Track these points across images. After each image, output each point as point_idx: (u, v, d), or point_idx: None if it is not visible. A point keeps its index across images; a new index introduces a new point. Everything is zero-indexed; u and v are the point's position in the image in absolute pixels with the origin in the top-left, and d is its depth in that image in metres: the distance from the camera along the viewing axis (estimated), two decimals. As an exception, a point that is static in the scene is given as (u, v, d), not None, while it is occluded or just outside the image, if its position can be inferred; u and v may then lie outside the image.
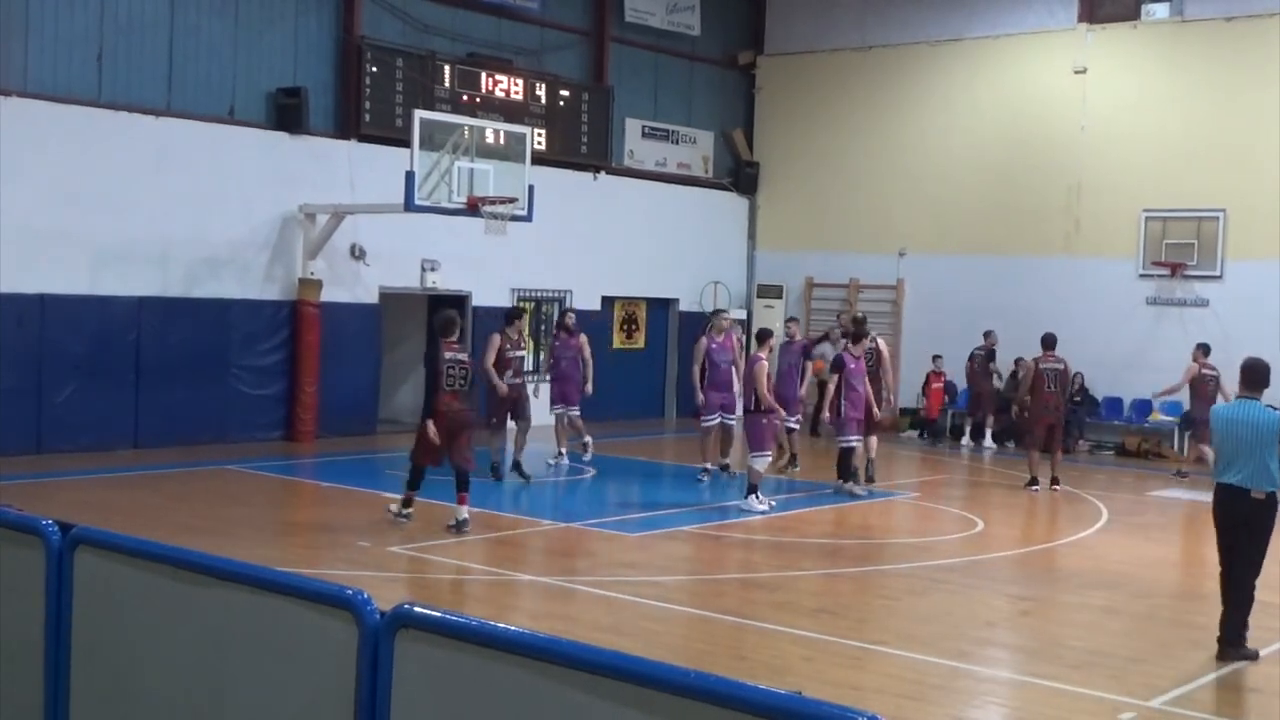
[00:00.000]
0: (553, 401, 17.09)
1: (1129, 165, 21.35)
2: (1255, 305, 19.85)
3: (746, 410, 14.50)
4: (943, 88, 23.29)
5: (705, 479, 16.10)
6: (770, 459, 14.30)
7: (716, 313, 17.86)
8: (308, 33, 18.79)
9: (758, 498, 14.06)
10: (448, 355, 12.35)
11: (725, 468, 16.51)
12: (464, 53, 20.65)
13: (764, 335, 14.93)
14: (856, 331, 15.91)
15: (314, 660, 3.78)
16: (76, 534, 4.47)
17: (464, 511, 12.25)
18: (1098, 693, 8.05)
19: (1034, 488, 16.54)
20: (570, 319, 17.47)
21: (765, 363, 14.29)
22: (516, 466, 15.65)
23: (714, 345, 16.25)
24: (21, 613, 4.57)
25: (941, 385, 22.03)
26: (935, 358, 21.98)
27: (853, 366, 15.43)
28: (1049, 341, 17.03)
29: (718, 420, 16.24)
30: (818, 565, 11.74)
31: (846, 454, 15.57)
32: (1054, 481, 16.72)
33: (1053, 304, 21.62)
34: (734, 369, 16.31)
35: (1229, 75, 20.64)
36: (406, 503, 12.55)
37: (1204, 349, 17.98)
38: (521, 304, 21.29)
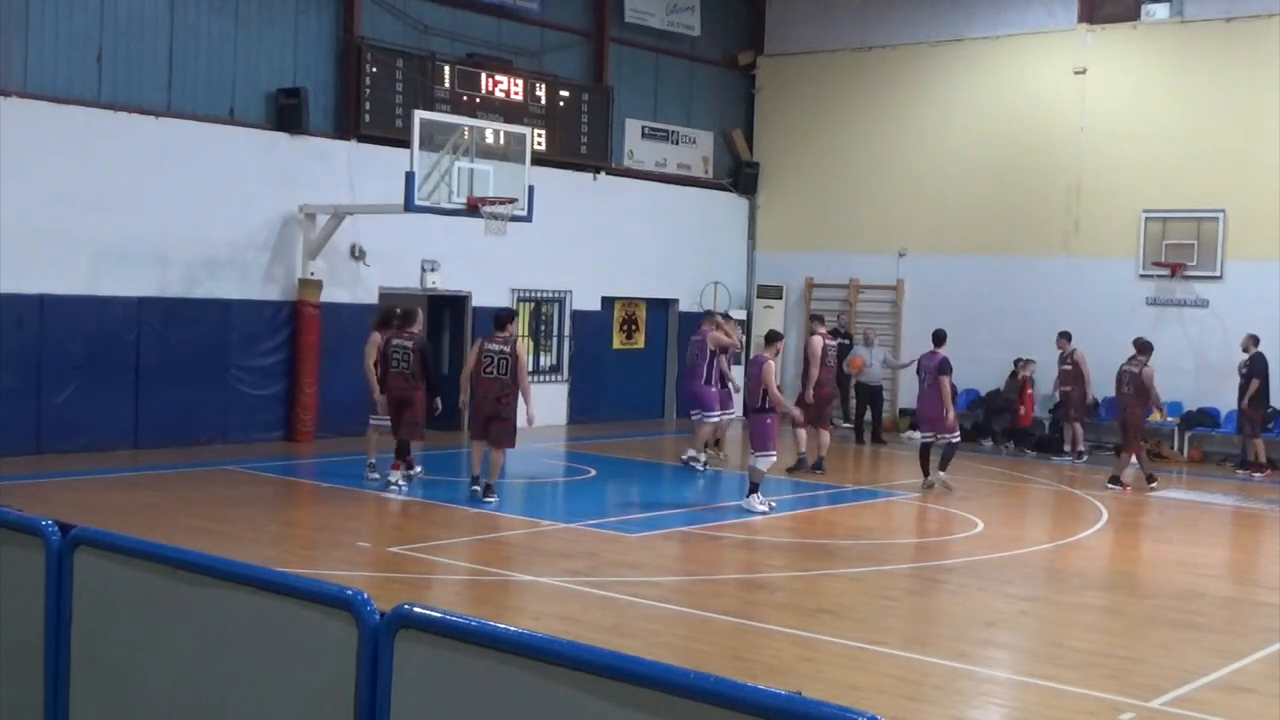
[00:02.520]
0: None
1: (1129, 165, 21.34)
2: (1255, 306, 19.85)
3: (752, 409, 14.47)
4: (943, 88, 23.29)
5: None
6: (774, 459, 14.30)
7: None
8: (308, 33, 18.79)
9: (759, 498, 14.06)
10: (395, 342, 14.45)
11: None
12: (464, 53, 20.65)
13: (773, 337, 14.95)
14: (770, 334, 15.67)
15: (314, 660, 3.78)
16: (76, 534, 4.47)
17: (395, 475, 14.38)
18: (1098, 693, 8.05)
19: (1124, 486, 16.94)
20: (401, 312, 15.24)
21: (772, 363, 14.27)
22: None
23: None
24: (21, 613, 4.57)
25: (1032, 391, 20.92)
26: (1027, 362, 20.82)
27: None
28: (1141, 346, 17.37)
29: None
30: (818, 565, 11.74)
31: (951, 449, 16.22)
32: (1113, 480, 17.01)
33: (1053, 304, 21.64)
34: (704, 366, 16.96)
35: (1229, 75, 20.63)
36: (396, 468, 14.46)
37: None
38: (523, 304, 21.35)
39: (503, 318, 14.07)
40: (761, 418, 14.11)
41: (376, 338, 14.82)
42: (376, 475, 14.85)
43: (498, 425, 13.72)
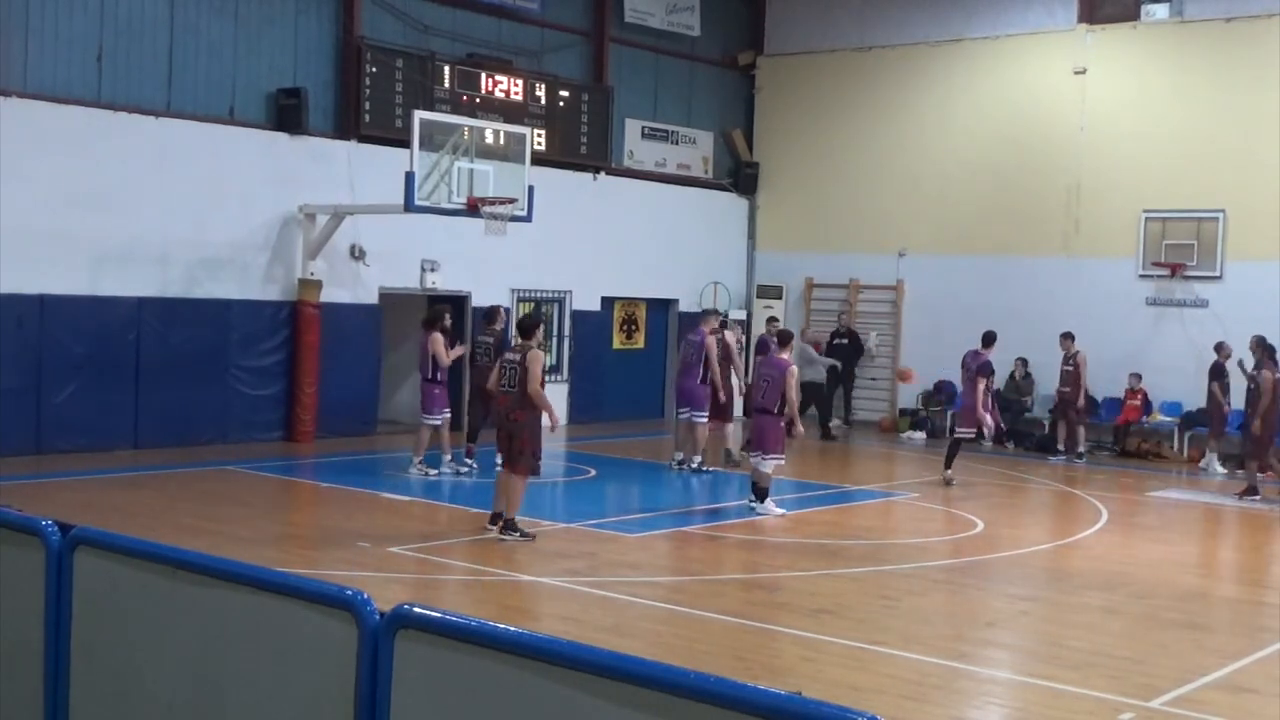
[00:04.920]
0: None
1: (1129, 165, 21.34)
2: (1255, 306, 19.83)
3: (758, 410, 14.43)
4: (943, 88, 23.29)
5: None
6: (781, 462, 14.29)
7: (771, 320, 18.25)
8: (308, 33, 18.79)
9: (772, 502, 14.05)
10: (479, 338, 15.83)
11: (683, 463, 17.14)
12: (464, 53, 20.65)
13: (787, 338, 14.92)
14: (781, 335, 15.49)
15: (314, 660, 3.78)
16: (76, 534, 4.47)
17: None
18: (1097, 693, 8.05)
19: (1254, 497, 16.69)
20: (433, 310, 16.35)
21: (795, 368, 14.32)
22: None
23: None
24: (21, 613, 4.57)
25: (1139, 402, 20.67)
26: (1133, 375, 20.64)
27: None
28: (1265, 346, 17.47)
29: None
30: (818, 565, 11.74)
31: (956, 445, 17.10)
32: (1249, 491, 16.86)
33: (1052, 304, 21.64)
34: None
35: (1229, 75, 20.63)
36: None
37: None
38: (522, 305, 21.36)
39: (525, 325, 12.55)
40: (774, 420, 14.06)
41: (439, 338, 15.51)
42: (432, 470, 15.62)
43: (514, 446, 12.08)
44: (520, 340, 12.50)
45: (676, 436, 17.54)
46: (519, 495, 12.14)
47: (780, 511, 13.96)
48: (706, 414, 16.90)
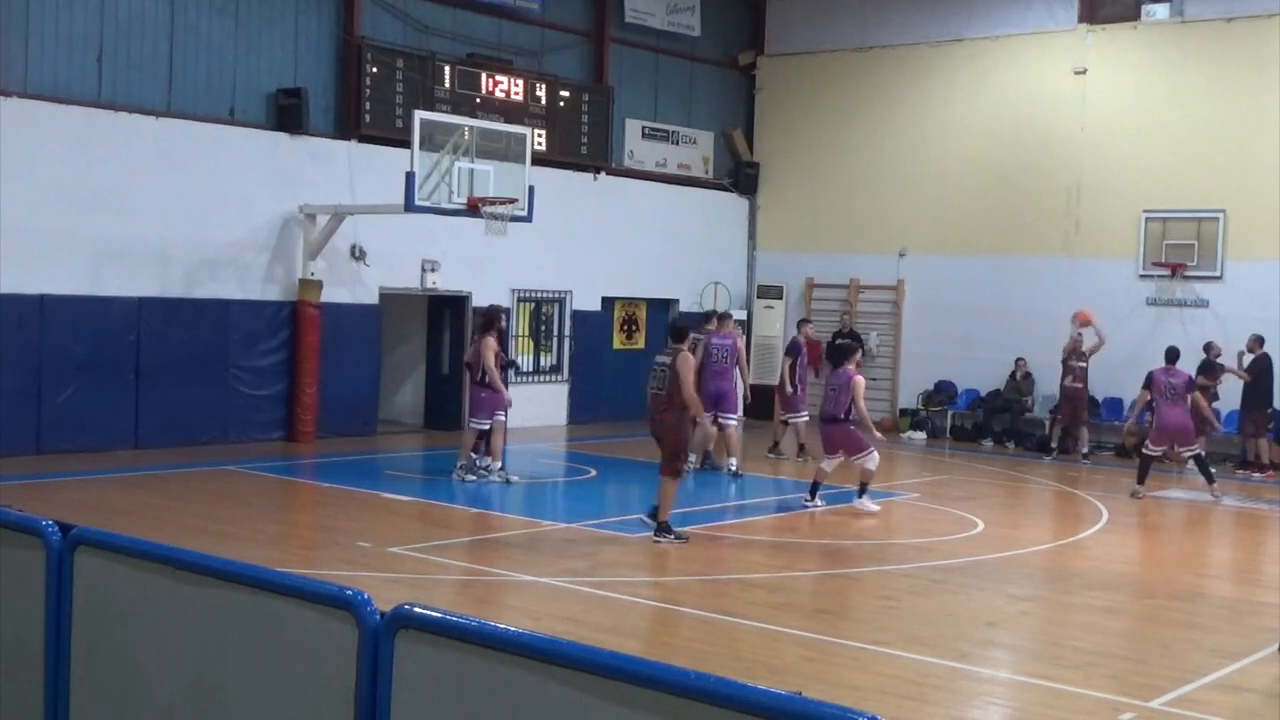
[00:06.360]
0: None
1: (1129, 165, 21.35)
2: (1255, 306, 19.86)
3: (832, 420, 14.48)
4: (943, 88, 23.29)
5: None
6: (878, 456, 14.55)
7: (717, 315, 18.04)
8: (308, 33, 18.79)
9: (870, 498, 14.40)
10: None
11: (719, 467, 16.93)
12: (464, 53, 20.65)
13: (849, 351, 15.20)
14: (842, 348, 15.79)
15: (314, 660, 3.78)
16: (76, 534, 4.47)
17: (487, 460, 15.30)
18: (1098, 693, 8.05)
19: None
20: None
21: (861, 378, 14.54)
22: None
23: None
24: (21, 613, 4.58)
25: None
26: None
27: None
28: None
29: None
30: (818, 565, 11.74)
31: (1202, 462, 16.66)
32: None
33: (1053, 304, 21.63)
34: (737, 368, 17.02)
35: (1229, 75, 20.64)
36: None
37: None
38: (522, 305, 21.37)
39: (680, 328, 12.82)
40: (843, 425, 14.34)
41: (492, 341, 15.21)
42: (473, 476, 15.22)
43: (663, 448, 12.21)
44: (672, 344, 12.48)
45: (711, 441, 17.04)
46: (669, 498, 12.19)
47: (875, 507, 14.33)
48: (737, 416, 16.89)
